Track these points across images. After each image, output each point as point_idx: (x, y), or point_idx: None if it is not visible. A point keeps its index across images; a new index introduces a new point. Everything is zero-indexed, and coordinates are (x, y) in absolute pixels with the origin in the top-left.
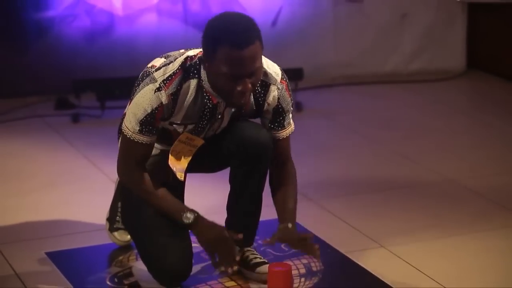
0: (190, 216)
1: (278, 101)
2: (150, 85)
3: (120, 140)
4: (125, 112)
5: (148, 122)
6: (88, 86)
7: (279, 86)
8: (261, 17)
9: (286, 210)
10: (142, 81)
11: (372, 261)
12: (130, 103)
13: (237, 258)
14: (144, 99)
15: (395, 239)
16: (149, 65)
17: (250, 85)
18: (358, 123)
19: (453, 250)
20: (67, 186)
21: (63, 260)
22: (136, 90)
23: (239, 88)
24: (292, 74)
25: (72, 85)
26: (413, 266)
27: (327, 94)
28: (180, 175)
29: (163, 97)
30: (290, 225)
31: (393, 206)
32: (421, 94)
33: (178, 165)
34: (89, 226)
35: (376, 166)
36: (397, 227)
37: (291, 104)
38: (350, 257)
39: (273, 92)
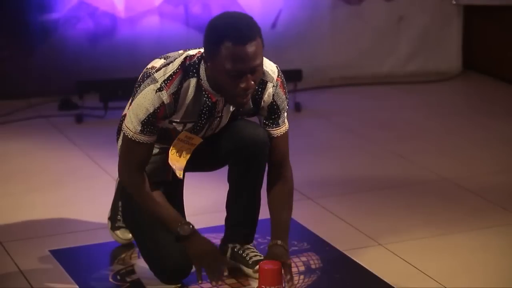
0: (187, 228)
1: (272, 98)
2: (151, 85)
3: (121, 141)
4: (124, 114)
5: (149, 122)
6: (92, 87)
7: (274, 83)
8: (261, 19)
9: (278, 224)
10: (143, 82)
11: (370, 259)
12: (130, 104)
13: (225, 273)
14: (145, 100)
15: (392, 237)
16: (149, 66)
17: (252, 82)
18: (355, 123)
19: (449, 247)
20: (71, 185)
21: (67, 258)
22: (137, 91)
23: (242, 85)
24: (291, 76)
25: (76, 86)
26: (409, 263)
27: (325, 95)
28: (179, 173)
29: (165, 96)
30: (279, 242)
31: (390, 205)
32: (417, 95)
33: (177, 164)
34: (92, 224)
35: (373, 165)
36: (394, 225)
37: (286, 102)
38: (348, 255)
39: (269, 89)
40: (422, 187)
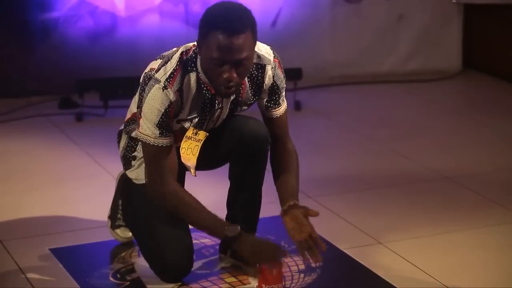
0: (234, 228)
1: (273, 79)
2: (156, 85)
3: (123, 143)
4: (128, 118)
5: (165, 123)
6: (92, 86)
7: (272, 65)
8: (261, 18)
9: (286, 189)
10: (146, 86)
11: (370, 258)
12: (139, 109)
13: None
14: (155, 100)
15: (393, 236)
16: (147, 69)
17: (236, 76)
18: (355, 122)
19: (449, 246)
20: (71, 184)
21: (67, 256)
22: (142, 96)
23: (224, 76)
24: (291, 74)
25: (76, 85)
26: (410, 262)
27: (325, 94)
28: (193, 172)
29: (171, 94)
30: (292, 202)
31: (390, 203)
32: (417, 93)
33: (189, 162)
34: (92, 223)
35: (374, 164)
36: (394, 224)
37: (284, 81)
38: (348, 253)
39: (269, 72)
40: (422, 185)
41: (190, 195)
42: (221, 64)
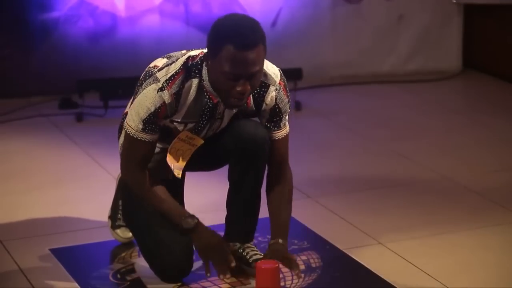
0: (190, 221)
1: (275, 101)
2: (153, 85)
3: (123, 139)
4: (126, 112)
5: (151, 121)
6: (92, 86)
7: (277, 87)
8: (261, 17)
9: (278, 224)
10: (145, 81)
11: (370, 258)
12: (132, 102)
13: (232, 265)
14: (147, 99)
15: (393, 236)
16: (151, 65)
17: (248, 87)
18: (355, 122)
19: (449, 246)
20: (71, 184)
21: (67, 257)
22: (139, 89)
23: (238, 89)
24: (291, 74)
25: (76, 85)
26: (410, 262)
27: (325, 94)
28: (177, 173)
29: (166, 96)
30: (280, 240)
31: (390, 204)
32: (417, 93)
33: (176, 163)
34: (92, 223)
35: (374, 164)
36: (394, 224)
37: (288, 105)
38: (348, 253)
39: (272, 93)
40: (422, 185)
41: (156, 184)
42: (236, 78)
